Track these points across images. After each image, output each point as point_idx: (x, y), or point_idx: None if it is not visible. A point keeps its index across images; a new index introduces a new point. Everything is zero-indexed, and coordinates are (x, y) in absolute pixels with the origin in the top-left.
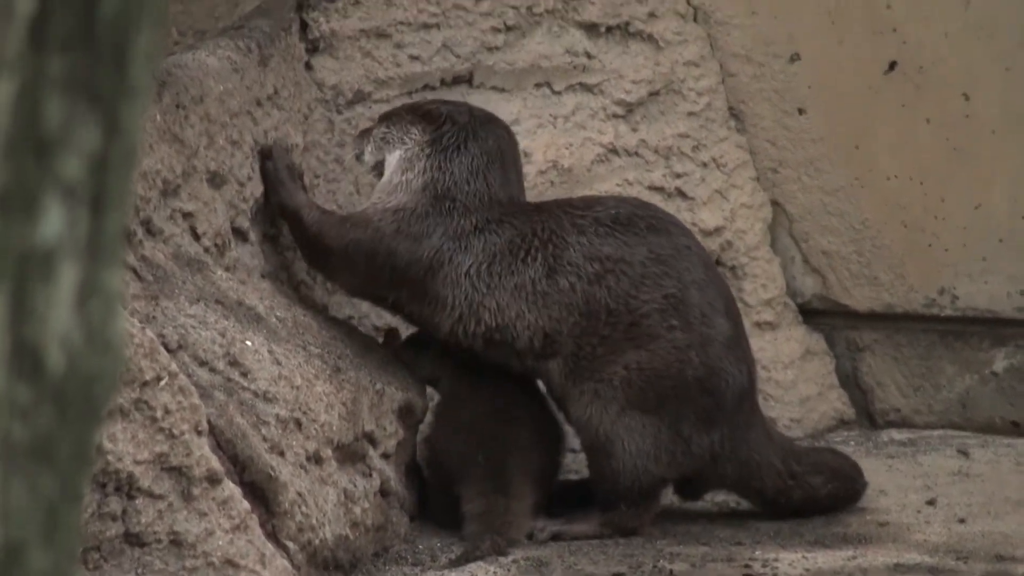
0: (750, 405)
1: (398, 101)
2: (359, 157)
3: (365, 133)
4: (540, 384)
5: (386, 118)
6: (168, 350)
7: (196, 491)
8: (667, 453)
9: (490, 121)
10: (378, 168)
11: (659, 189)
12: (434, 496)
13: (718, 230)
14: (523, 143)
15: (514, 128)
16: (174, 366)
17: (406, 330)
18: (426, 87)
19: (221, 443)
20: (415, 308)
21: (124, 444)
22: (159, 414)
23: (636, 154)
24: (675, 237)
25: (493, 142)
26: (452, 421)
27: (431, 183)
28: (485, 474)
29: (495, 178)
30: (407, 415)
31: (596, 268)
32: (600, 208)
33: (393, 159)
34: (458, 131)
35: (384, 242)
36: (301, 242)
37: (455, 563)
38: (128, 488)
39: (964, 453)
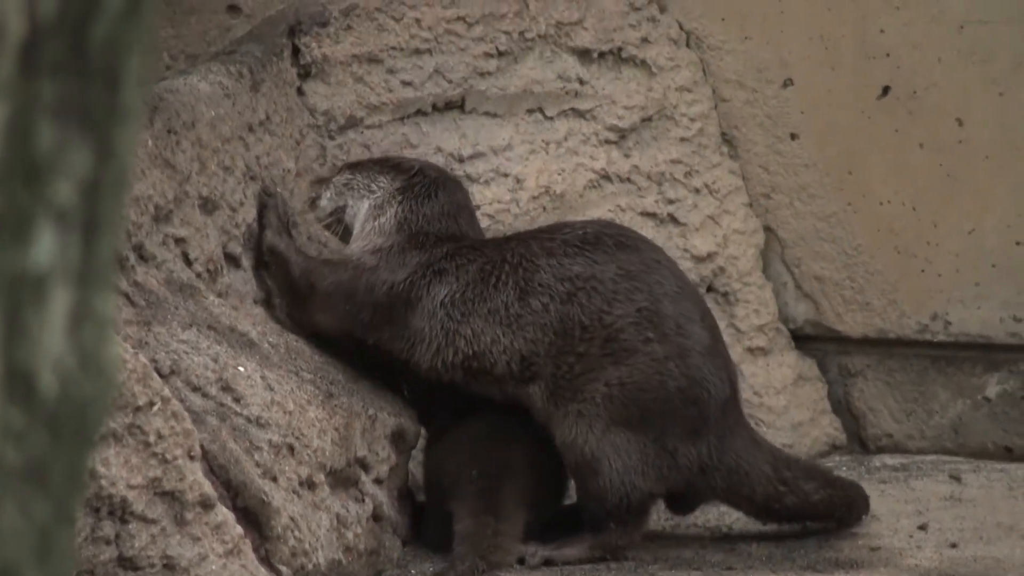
0: (734, 413)
1: (391, 127)
2: (314, 202)
3: (323, 180)
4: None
5: (349, 167)
6: (161, 375)
7: (189, 516)
8: (654, 468)
9: (454, 179)
10: (335, 215)
11: (651, 215)
12: (430, 516)
13: (710, 256)
14: (515, 169)
15: (506, 154)
16: (167, 391)
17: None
18: (418, 112)
19: (214, 468)
20: (395, 346)
21: (117, 469)
22: (152, 439)
23: (628, 180)
24: (644, 252)
25: (460, 195)
26: (449, 438)
27: (404, 223)
28: (478, 493)
29: (464, 220)
30: (399, 440)
31: (567, 287)
32: (568, 231)
33: (362, 207)
34: (428, 182)
35: (363, 279)
36: (284, 286)
37: None
38: (121, 512)
39: (956, 478)
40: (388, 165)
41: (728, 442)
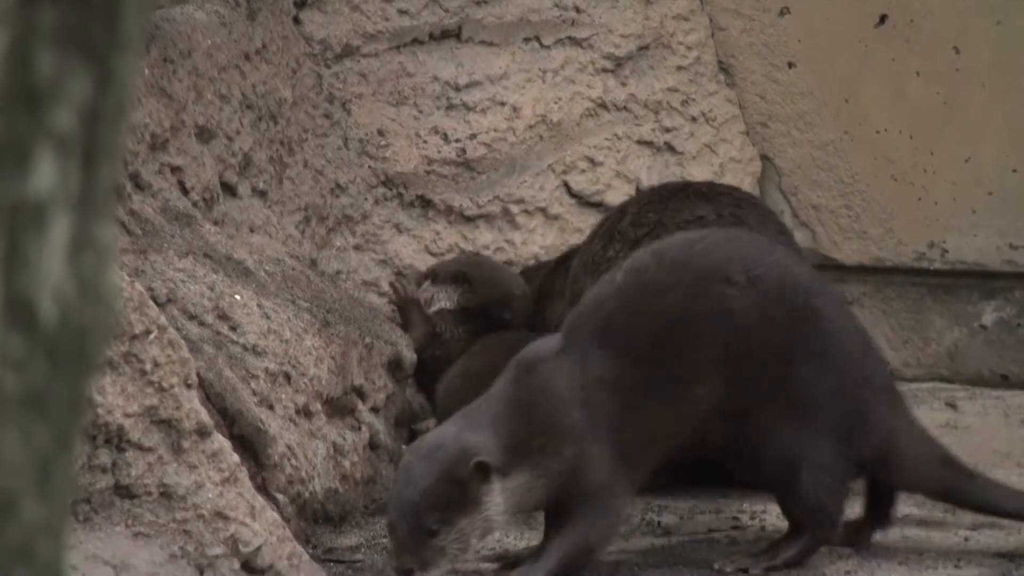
0: None
1: (387, 56)
2: None
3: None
4: None
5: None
6: (157, 304)
7: (186, 444)
8: None
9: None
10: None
11: (648, 144)
12: None
13: None
14: (512, 98)
15: (503, 82)
16: (163, 320)
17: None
18: (415, 41)
19: (210, 396)
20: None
21: (114, 397)
22: (148, 367)
23: (625, 108)
24: (723, 205)
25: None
26: (465, 369)
27: None
28: None
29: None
30: (396, 369)
31: (638, 234)
32: (664, 184)
33: None
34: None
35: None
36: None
37: None
38: (118, 441)
39: (952, 406)
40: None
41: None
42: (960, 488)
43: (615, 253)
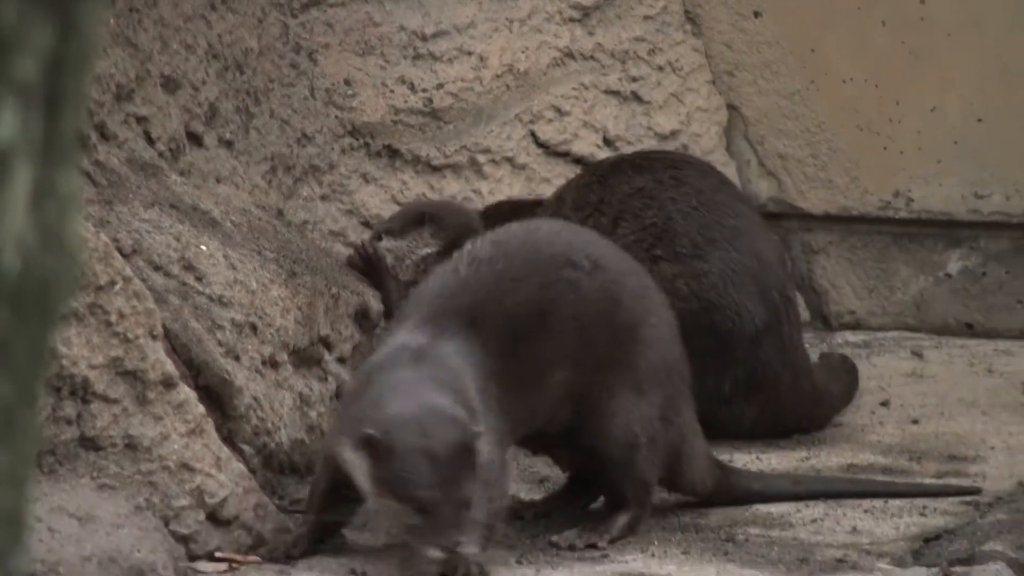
0: (773, 348)
1: (354, 5)
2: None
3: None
4: None
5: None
6: (123, 254)
7: (151, 395)
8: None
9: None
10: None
11: (615, 93)
12: None
13: (674, 134)
14: (479, 47)
15: (470, 32)
16: (128, 270)
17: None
18: None
19: (176, 347)
20: None
21: (79, 348)
22: (114, 318)
23: (592, 58)
24: (660, 171)
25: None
26: None
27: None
28: None
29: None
30: (363, 319)
31: (580, 216)
32: (602, 161)
33: None
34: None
35: None
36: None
37: None
38: (83, 392)
39: (918, 354)
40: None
41: (759, 379)
42: (733, 488)
43: None
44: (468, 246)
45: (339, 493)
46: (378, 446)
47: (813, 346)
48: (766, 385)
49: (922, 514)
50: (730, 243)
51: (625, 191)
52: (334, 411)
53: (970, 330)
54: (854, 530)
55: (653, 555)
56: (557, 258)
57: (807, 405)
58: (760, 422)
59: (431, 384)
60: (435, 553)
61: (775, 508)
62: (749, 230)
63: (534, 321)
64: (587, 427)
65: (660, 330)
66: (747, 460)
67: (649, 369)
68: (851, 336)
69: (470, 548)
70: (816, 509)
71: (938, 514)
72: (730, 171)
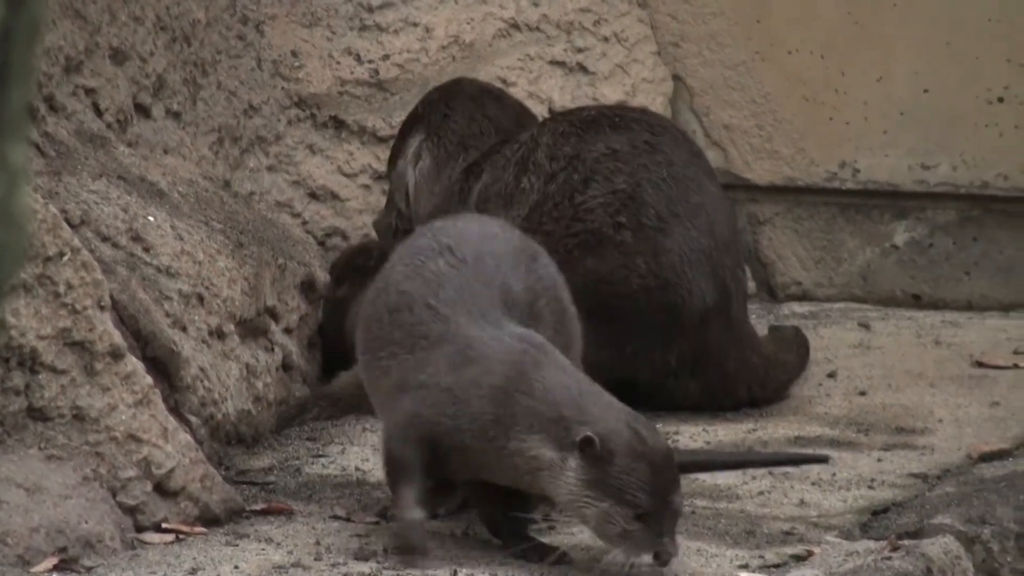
0: (721, 324)
1: None
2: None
3: None
4: None
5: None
6: (71, 225)
7: (99, 366)
8: (619, 369)
9: (474, 93)
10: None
11: (560, 64)
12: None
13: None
14: (424, 18)
15: (415, 3)
16: (77, 241)
17: None
18: None
19: (124, 318)
20: None
21: (27, 319)
22: (62, 289)
23: (537, 29)
24: (637, 134)
25: (486, 106)
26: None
27: (439, 151)
28: None
29: (492, 110)
30: (309, 290)
31: (553, 167)
32: (579, 112)
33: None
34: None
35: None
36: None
37: None
38: (31, 363)
39: (865, 326)
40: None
41: (707, 356)
42: None
43: (529, 185)
44: (428, 243)
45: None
46: (599, 449)
47: (760, 317)
48: (712, 361)
49: (870, 487)
50: (691, 220)
51: (600, 150)
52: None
53: (917, 301)
54: (801, 503)
55: None
56: (520, 246)
57: (758, 377)
58: (707, 395)
59: (589, 384)
60: (647, 560)
61: (722, 480)
62: (711, 207)
63: (528, 310)
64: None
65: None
66: (694, 432)
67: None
68: (798, 307)
69: (675, 557)
70: (763, 482)
71: (886, 487)
72: None
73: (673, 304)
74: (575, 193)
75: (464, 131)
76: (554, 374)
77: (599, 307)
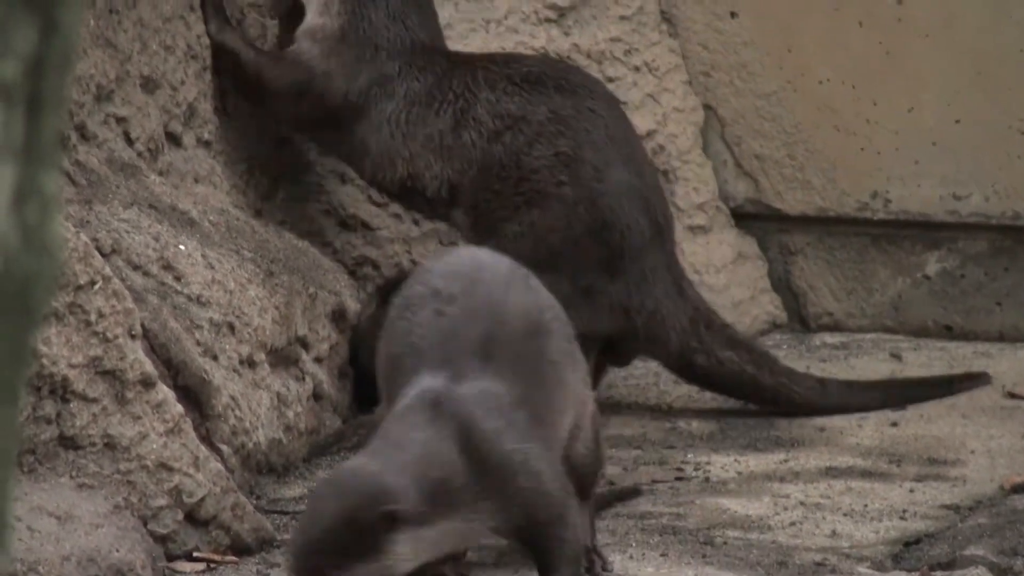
0: (657, 257)
1: None
2: None
3: None
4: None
5: None
6: (102, 254)
7: (130, 394)
8: (576, 308)
9: None
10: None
11: None
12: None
13: (650, 134)
14: (456, 47)
15: (446, 32)
16: (108, 270)
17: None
18: None
19: (155, 347)
20: (343, 149)
21: (58, 348)
22: (93, 318)
23: (568, 58)
24: (581, 97)
25: None
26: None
27: (349, 28)
28: None
29: (413, 21)
30: (340, 319)
31: (497, 125)
32: (516, 65)
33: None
34: None
35: (316, 82)
36: (239, 82)
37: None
38: (62, 392)
39: (897, 356)
40: None
41: (648, 286)
42: None
43: (471, 141)
44: (419, 290)
45: None
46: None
47: (792, 348)
48: (654, 291)
49: (902, 518)
50: (624, 166)
51: (545, 113)
52: None
53: (949, 332)
54: (833, 533)
55: (632, 557)
56: (511, 274)
57: (685, 336)
58: (648, 340)
59: (417, 445)
60: None
61: (754, 511)
62: (639, 157)
63: (531, 341)
64: (578, 434)
65: None
66: (725, 462)
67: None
68: (829, 338)
69: None
70: (795, 512)
71: (918, 518)
72: (707, 171)
73: (610, 241)
74: (520, 155)
75: (381, 30)
76: (397, 433)
77: (549, 257)
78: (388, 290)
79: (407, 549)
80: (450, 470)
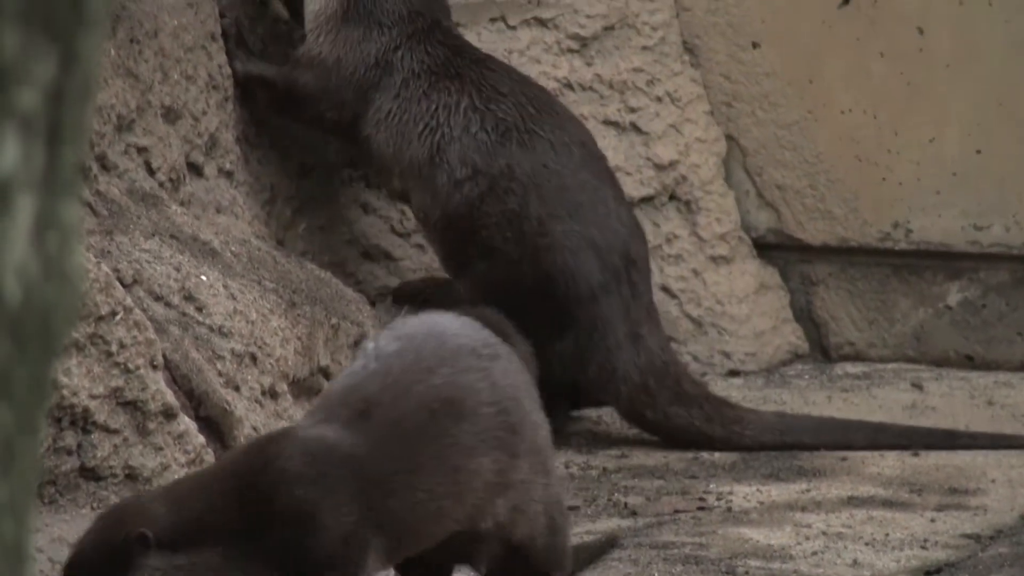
0: (612, 303)
1: None
2: None
3: None
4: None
5: None
6: (123, 285)
7: (151, 425)
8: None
9: None
10: None
11: (614, 124)
12: None
13: (672, 164)
14: None
15: None
16: (129, 300)
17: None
18: None
19: (176, 378)
20: (360, 156)
21: (79, 378)
22: (114, 348)
23: (591, 89)
24: (540, 155)
25: None
26: None
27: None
28: None
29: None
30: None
31: (461, 174)
32: (494, 106)
33: None
34: None
35: (332, 71)
36: (274, 104)
37: None
38: (83, 422)
39: (918, 386)
40: None
41: (598, 336)
42: None
43: (440, 181)
44: (371, 344)
45: None
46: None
47: (813, 378)
48: (605, 341)
49: (923, 547)
50: (572, 216)
51: (501, 168)
52: None
53: (970, 362)
54: (855, 563)
55: None
56: (463, 348)
57: (636, 390)
58: (599, 388)
59: (215, 478)
60: None
61: (775, 540)
62: (599, 203)
63: (432, 418)
64: (517, 519)
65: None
66: (747, 492)
67: (548, 447)
68: (851, 368)
69: None
70: (817, 542)
71: (939, 547)
72: (729, 202)
73: (559, 292)
74: (474, 208)
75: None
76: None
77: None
78: (406, 294)
79: (157, 574)
80: (214, 504)
